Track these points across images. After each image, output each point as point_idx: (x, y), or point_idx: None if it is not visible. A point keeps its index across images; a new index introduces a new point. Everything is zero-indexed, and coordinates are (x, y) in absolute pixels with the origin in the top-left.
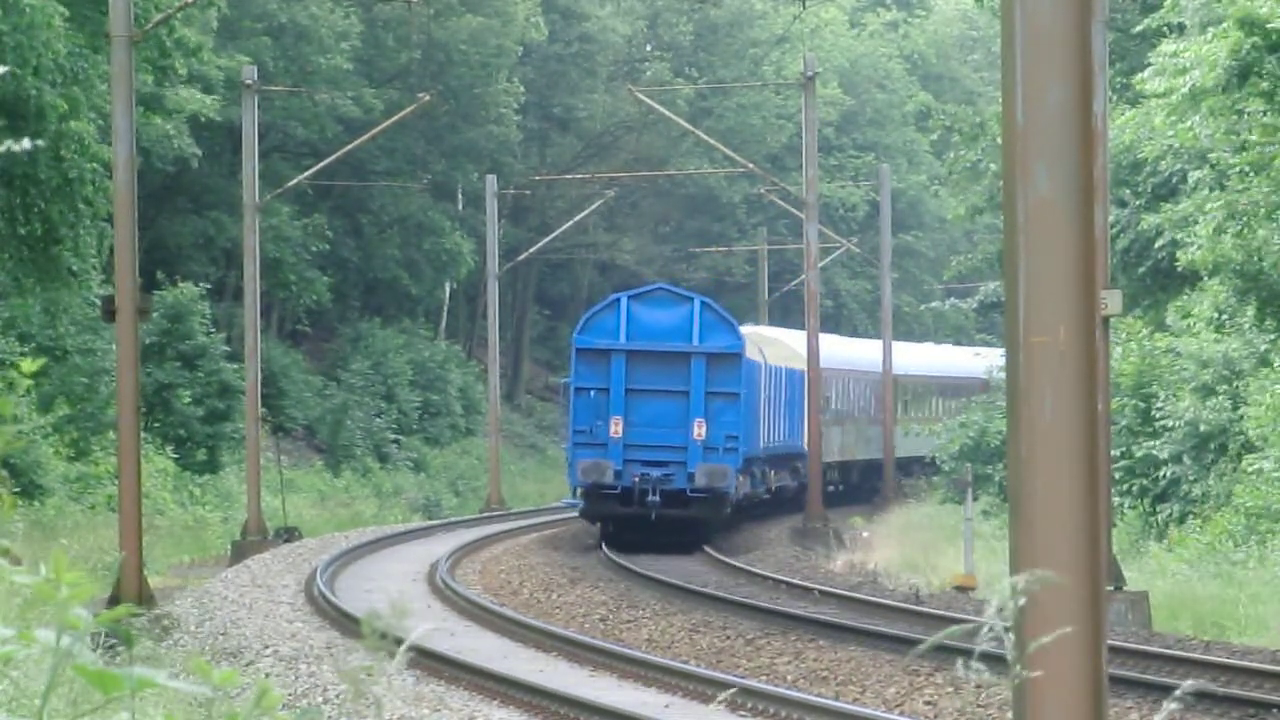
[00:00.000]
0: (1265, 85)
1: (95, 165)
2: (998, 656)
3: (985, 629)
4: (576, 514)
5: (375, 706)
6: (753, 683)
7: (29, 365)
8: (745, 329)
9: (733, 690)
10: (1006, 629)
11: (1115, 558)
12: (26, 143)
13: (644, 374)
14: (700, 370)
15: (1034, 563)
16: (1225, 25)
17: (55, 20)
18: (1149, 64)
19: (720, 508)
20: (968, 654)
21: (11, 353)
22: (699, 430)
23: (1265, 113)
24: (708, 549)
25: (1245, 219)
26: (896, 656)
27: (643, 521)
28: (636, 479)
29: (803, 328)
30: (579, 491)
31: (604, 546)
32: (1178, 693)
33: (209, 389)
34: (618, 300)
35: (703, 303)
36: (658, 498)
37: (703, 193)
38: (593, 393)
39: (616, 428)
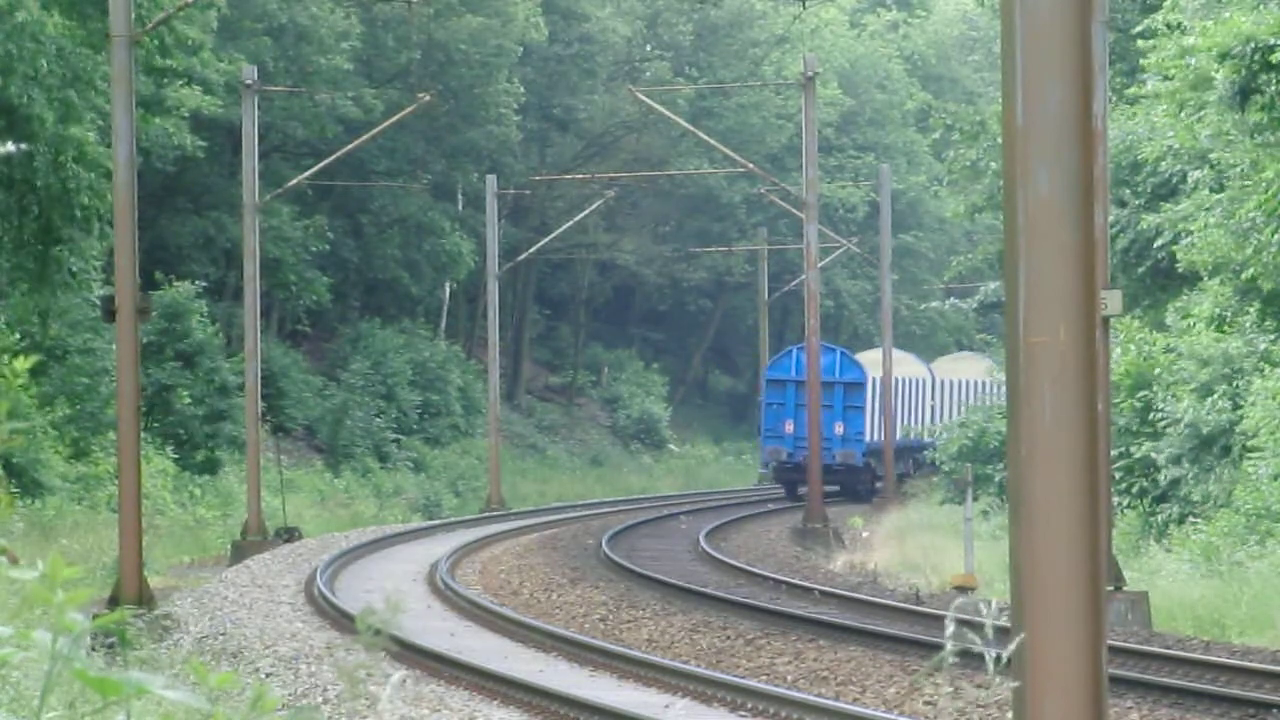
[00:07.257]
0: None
1: (92, 174)
2: (998, 657)
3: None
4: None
5: (371, 704)
6: (753, 683)
7: (22, 363)
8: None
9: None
10: (1005, 630)
11: (1115, 558)
12: (11, 146)
13: (806, 395)
14: (840, 393)
15: (1034, 563)
16: (1229, 15)
17: (49, 29)
18: (1147, 62)
19: (855, 475)
20: (973, 657)
21: (10, 351)
22: (839, 429)
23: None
24: (708, 549)
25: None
26: (896, 656)
27: (805, 484)
28: (801, 458)
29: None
30: (770, 465)
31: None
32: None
33: (209, 389)
34: (791, 350)
35: (841, 352)
36: None
37: (703, 193)
38: (775, 406)
39: (790, 427)
